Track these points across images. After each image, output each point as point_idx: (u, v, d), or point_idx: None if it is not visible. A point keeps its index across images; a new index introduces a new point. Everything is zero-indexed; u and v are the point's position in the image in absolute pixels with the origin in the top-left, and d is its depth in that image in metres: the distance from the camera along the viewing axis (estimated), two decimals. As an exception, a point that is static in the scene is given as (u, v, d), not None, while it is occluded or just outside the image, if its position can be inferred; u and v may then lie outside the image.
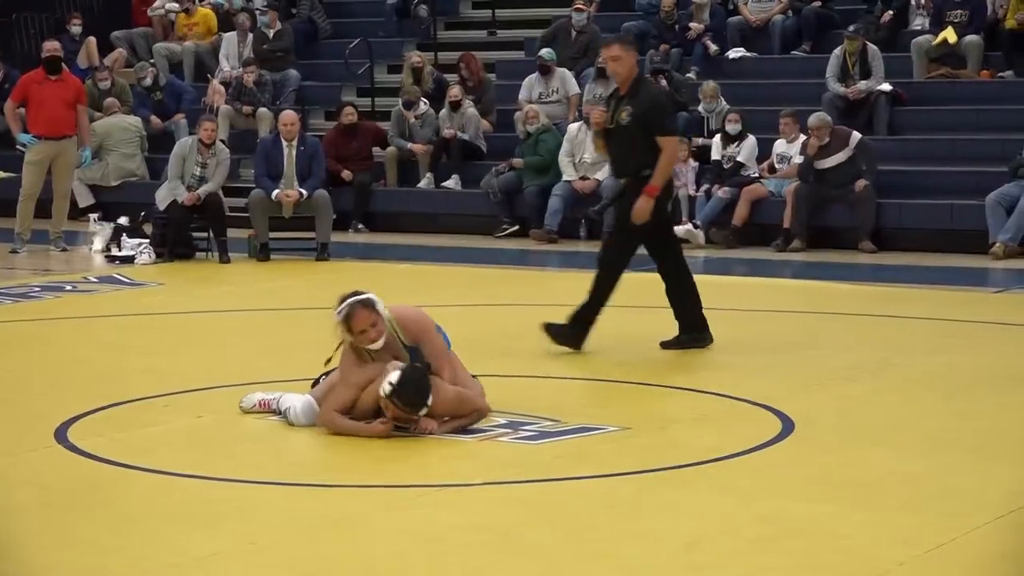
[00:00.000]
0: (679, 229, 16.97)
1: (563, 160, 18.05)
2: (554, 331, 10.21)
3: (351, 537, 6.38)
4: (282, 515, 6.69)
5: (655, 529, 6.41)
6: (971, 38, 18.48)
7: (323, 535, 6.38)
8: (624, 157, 10.24)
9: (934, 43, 18.46)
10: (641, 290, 14.18)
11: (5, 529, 6.44)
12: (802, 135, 17.04)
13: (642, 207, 10.03)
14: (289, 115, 16.74)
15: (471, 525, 6.53)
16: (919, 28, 19.22)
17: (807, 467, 7.55)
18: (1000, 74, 18.37)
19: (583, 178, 17.89)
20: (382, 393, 7.71)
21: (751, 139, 17.39)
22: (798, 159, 16.96)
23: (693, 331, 10.44)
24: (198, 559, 6.04)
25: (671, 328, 12.09)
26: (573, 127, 18.23)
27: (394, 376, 7.73)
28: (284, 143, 16.44)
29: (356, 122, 18.98)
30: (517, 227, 18.13)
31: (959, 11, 18.50)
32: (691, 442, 7.94)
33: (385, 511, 6.80)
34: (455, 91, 19.26)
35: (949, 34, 18.36)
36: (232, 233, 16.40)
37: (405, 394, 7.71)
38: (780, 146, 17.38)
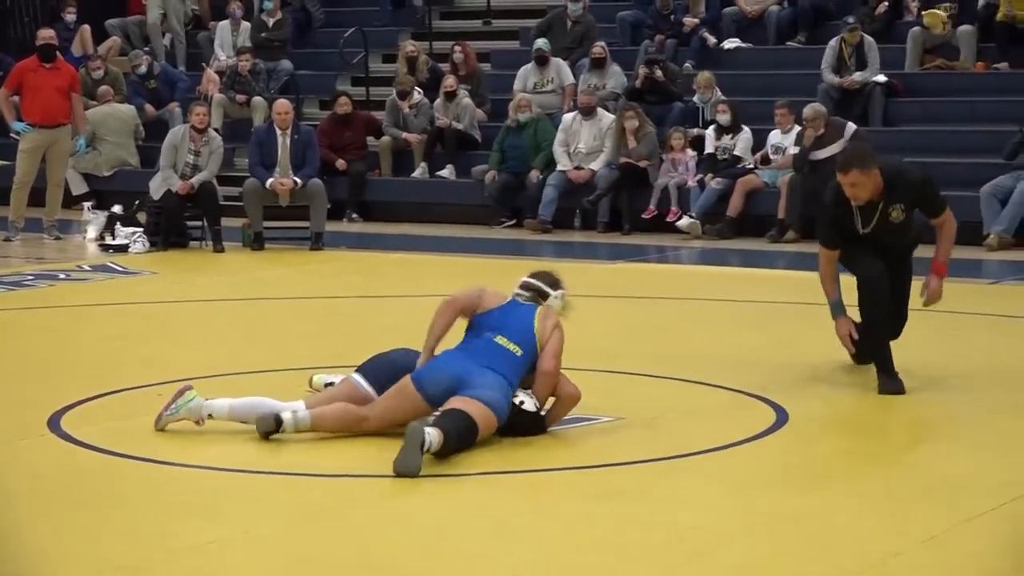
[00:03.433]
0: (681, 223, 17.03)
1: (558, 150, 18.03)
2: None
3: (345, 526, 6.38)
4: (275, 504, 6.70)
5: (648, 519, 6.41)
6: (964, 28, 18.48)
7: (317, 524, 6.38)
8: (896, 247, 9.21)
9: (933, 31, 18.40)
10: (633, 280, 14.20)
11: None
12: (797, 126, 17.03)
13: (940, 288, 9.15)
14: (283, 104, 16.73)
15: (465, 515, 6.53)
16: (913, 19, 19.22)
17: (801, 458, 7.56)
18: (995, 65, 18.36)
19: (577, 168, 17.89)
20: (515, 398, 7.64)
21: (746, 132, 17.39)
22: (793, 150, 16.95)
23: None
24: (193, 547, 6.03)
25: (662, 318, 12.12)
26: (568, 116, 18.23)
27: (530, 404, 7.69)
28: (278, 132, 16.43)
29: (350, 112, 18.97)
30: (515, 220, 18.13)
31: (948, 3, 18.53)
32: (685, 433, 7.93)
33: (379, 501, 6.80)
34: (450, 81, 19.25)
35: (934, 17, 18.35)
36: (226, 222, 16.40)
37: (523, 421, 7.66)
38: (775, 137, 17.37)
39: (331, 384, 8.28)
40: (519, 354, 7.66)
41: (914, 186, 8.99)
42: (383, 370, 7.82)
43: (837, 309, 9.08)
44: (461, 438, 7.26)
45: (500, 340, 7.67)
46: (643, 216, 17.37)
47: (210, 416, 7.76)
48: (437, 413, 7.35)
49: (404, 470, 6.96)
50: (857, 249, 9.06)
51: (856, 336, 9.01)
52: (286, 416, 7.63)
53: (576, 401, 7.86)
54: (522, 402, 7.66)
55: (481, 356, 7.61)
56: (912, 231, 9.19)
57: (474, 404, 7.38)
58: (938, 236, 9.18)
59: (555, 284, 8.02)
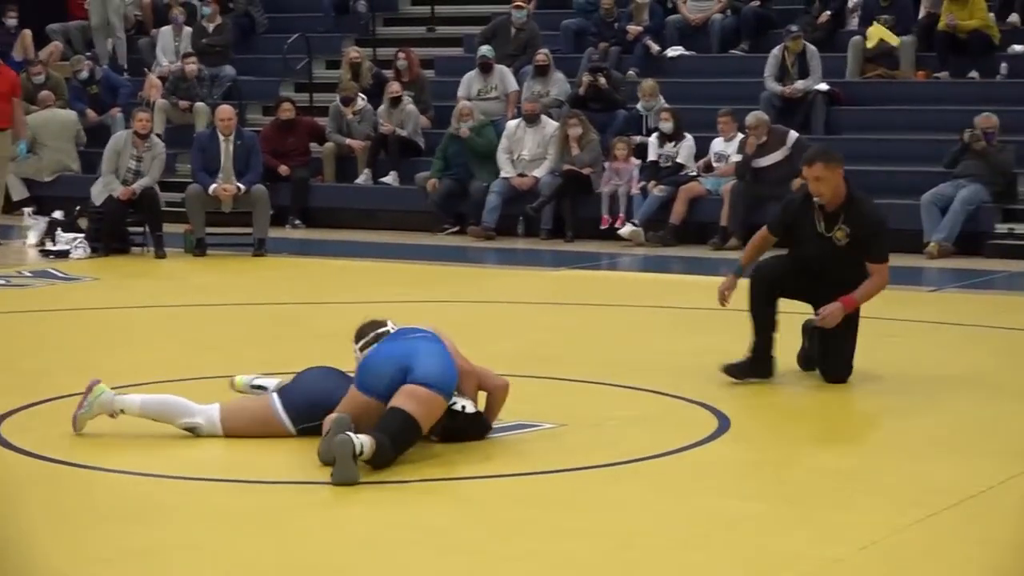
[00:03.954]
0: (623, 230, 17.08)
1: (501, 157, 18.05)
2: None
3: (284, 533, 6.35)
4: (213, 511, 6.67)
5: (589, 526, 6.41)
6: (905, 38, 18.60)
7: (255, 531, 6.35)
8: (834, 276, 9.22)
9: (868, 45, 18.58)
10: (576, 287, 14.22)
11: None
12: (739, 134, 17.10)
13: (836, 313, 9.11)
14: (226, 109, 16.70)
15: (404, 523, 6.51)
16: (855, 28, 19.33)
17: (742, 465, 7.58)
18: (935, 75, 18.50)
19: (521, 175, 17.90)
20: (455, 405, 7.62)
21: (689, 139, 17.44)
22: (736, 157, 17.02)
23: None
24: (132, 554, 6.00)
25: (605, 325, 12.14)
26: (512, 124, 18.24)
27: (470, 407, 7.71)
28: (221, 137, 16.39)
29: (293, 118, 18.92)
30: (458, 227, 18.13)
31: (884, 16, 18.66)
32: (627, 439, 7.94)
33: (318, 508, 6.77)
34: (395, 87, 19.23)
35: (880, 32, 18.49)
36: (168, 228, 16.34)
37: (466, 425, 7.68)
38: (717, 144, 17.43)
39: (258, 387, 8.26)
40: (431, 338, 7.67)
41: (868, 217, 9.17)
42: (303, 398, 7.75)
43: (735, 269, 9.60)
44: (398, 442, 7.23)
45: (411, 336, 7.69)
46: (601, 228, 17.33)
47: (122, 411, 7.76)
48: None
49: (344, 481, 6.95)
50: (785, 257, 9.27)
51: (727, 296, 9.55)
52: (199, 420, 7.75)
53: (507, 390, 7.89)
54: (463, 407, 7.66)
55: (408, 342, 7.60)
56: (854, 270, 9.19)
57: (416, 395, 7.34)
58: (868, 280, 9.19)
59: (383, 322, 7.92)
